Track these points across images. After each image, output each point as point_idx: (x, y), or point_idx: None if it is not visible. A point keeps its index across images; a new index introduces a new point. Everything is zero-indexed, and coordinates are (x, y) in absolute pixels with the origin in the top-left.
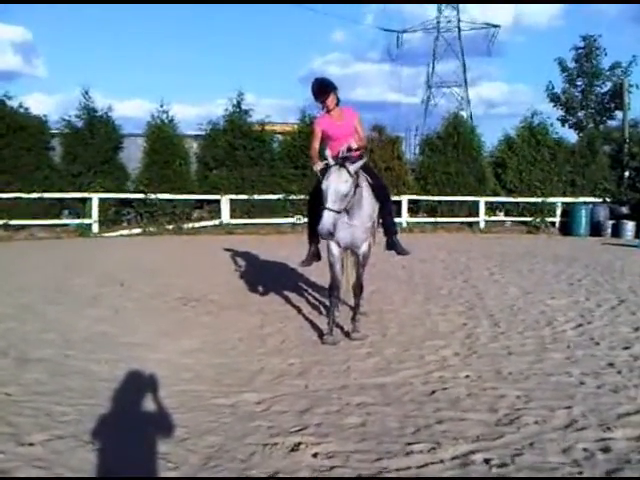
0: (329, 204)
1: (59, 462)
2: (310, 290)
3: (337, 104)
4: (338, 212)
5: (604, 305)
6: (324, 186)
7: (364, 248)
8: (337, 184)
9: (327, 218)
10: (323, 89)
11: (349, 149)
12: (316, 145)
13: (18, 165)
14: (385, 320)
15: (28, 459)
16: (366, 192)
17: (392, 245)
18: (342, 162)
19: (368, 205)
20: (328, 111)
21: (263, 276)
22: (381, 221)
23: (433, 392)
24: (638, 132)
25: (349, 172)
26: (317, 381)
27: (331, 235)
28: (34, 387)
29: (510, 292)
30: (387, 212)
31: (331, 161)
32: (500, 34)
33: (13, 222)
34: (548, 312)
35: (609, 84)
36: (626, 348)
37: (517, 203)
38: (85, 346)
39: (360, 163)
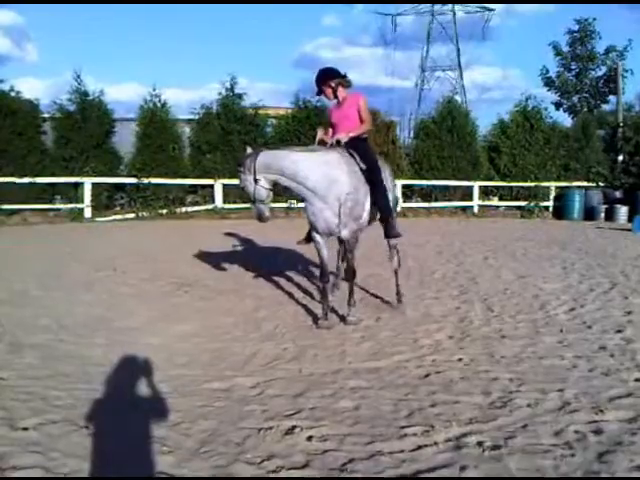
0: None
1: (53, 446)
2: (305, 274)
3: (336, 94)
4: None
5: (597, 289)
6: None
7: (344, 233)
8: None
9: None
10: (321, 81)
11: (338, 142)
12: (329, 131)
13: (10, 149)
14: (379, 304)
15: (22, 443)
16: (341, 176)
17: (387, 231)
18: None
19: (337, 188)
20: (335, 100)
21: (257, 261)
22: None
23: (427, 375)
24: (632, 116)
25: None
26: (311, 365)
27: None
28: (28, 372)
29: (504, 276)
30: (379, 194)
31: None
32: (493, 18)
33: (5, 207)
34: (541, 296)
35: (604, 68)
36: (618, 331)
37: (511, 187)
38: (80, 331)
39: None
